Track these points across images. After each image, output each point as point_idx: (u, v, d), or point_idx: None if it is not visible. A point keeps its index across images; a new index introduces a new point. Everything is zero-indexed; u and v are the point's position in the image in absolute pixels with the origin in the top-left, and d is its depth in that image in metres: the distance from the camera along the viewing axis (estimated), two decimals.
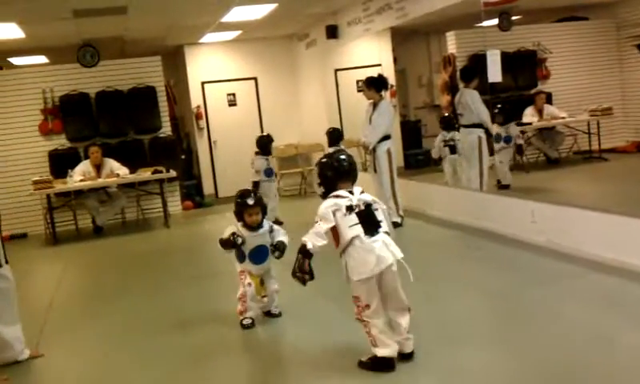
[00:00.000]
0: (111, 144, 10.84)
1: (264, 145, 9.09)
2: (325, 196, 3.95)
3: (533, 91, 11.34)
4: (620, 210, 5.73)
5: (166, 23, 10.10)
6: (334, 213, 3.78)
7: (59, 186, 9.65)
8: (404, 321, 3.93)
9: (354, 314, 3.88)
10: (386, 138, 8.03)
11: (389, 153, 8.03)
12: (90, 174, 9.81)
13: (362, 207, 3.81)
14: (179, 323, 5.28)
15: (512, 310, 4.84)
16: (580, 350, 3.93)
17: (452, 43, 11.41)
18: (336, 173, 3.97)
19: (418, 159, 12.39)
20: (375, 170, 8.14)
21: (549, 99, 11.22)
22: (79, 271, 8.08)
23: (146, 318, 5.60)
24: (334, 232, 3.80)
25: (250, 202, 4.83)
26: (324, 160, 4.08)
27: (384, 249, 3.77)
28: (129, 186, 10.44)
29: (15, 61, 11.55)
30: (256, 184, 8.78)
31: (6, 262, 4.62)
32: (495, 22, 9.81)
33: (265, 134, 9.31)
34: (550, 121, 10.79)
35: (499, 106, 9.66)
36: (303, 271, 3.82)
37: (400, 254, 3.84)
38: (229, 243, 4.85)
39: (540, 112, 10.85)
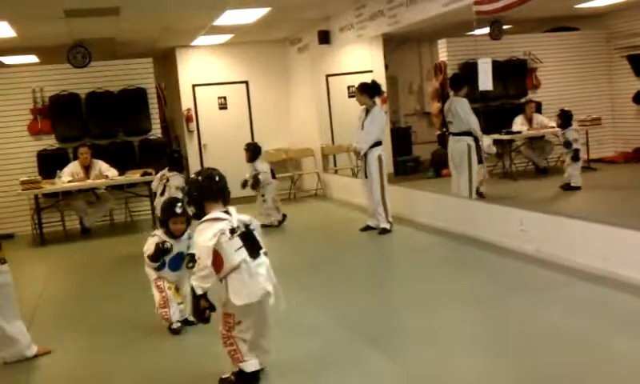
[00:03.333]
0: (100, 145, 10.79)
1: (177, 160, 8.54)
2: (197, 217, 3.76)
3: (523, 100, 11.42)
4: (608, 220, 5.77)
5: (159, 25, 10.08)
6: (215, 237, 3.56)
7: (47, 187, 9.60)
8: (265, 342, 3.85)
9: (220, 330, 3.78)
10: (378, 144, 8.05)
11: (380, 159, 8.05)
12: (79, 175, 9.76)
13: (243, 228, 3.64)
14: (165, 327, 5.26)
15: (499, 317, 4.85)
16: (567, 357, 3.94)
17: (443, 51, 11.48)
18: (203, 192, 3.76)
19: (407, 166, 12.44)
20: (366, 176, 8.15)
21: (538, 108, 11.30)
22: (66, 273, 8.03)
23: (133, 321, 5.57)
24: (216, 258, 3.59)
25: (178, 210, 4.89)
26: (192, 178, 3.97)
27: (267, 274, 3.67)
28: (117, 187, 10.40)
29: (5, 60, 11.50)
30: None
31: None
32: (487, 30, 9.86)
33: (175, 149, 9.10)
34: (539, 130, 10.85)
35: (566, 109, 9.69)
36: (201, 313, 3.67)
37: (274, 280, 3.72)
38: (160, 252, 4.90)
39: (529, 121, 10.91)
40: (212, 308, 3.66)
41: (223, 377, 3.85)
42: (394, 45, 12.21)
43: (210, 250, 3.55)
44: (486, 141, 9.22)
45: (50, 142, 10.78)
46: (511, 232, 6.70)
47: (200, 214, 3.74)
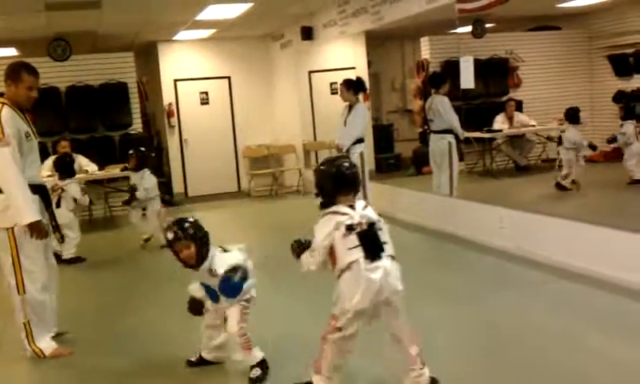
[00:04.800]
0: (80, 139, 10.70)
1: (69, 165, 7.97)
2: (323, 206, 3.45)
3: (504, 98, 11.47)
4: (587, 218, 5.82)
5: (140, 19, 10.00)
6: (330, 234, 3.30)
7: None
8: (413, 350, 3.48)
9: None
10: (360, 140, 8.06)
11: (362, 156, 8.05)
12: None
13: (365, 226, 3.30)
14: (141, 323, 5.24)
15: (479, 314, 4.87)
16: (546, 354, 3.97)
17: (426, 49, 11.51)
18: (336, 183, 3.42)
19: (389, 163, 12.47)
20: None
21: (519, 107, 11.36)
22: None
23: (118, 315, 5.54)
24: (332, 254, 3.33)
25: (170, 235, 3.85)
26: (323, 168, 3.55)
27: (384, 279, 3.27)
28: (97, 182, 10.31)
29: None
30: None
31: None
32: (469, 29, 9.90)
33: (67, 154, 8.33)
34: (519, 128, 10.91)
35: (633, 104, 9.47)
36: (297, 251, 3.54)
37: (398, 287, 3.36)
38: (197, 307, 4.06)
39: (510, 119, 10.97)
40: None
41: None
42: (376, 42, 12.22)
43: (324, 249, 3.32)
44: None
45: None
46: (491, 229, 6.73)
47: (327, 204, 3.43)
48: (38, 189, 4.59)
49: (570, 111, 9.23)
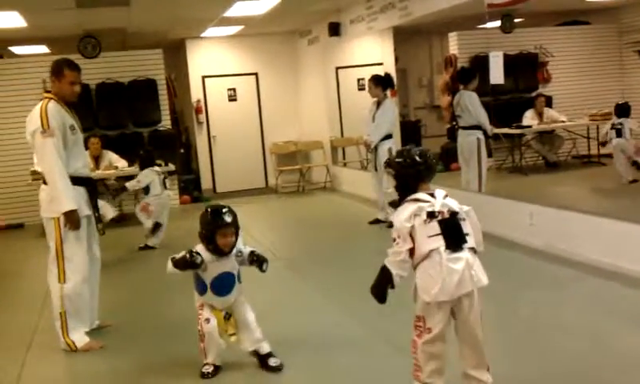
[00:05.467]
0: (110, 136, 10.82)
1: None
2: (398, 204, 3.26)
3: (533, 94, 11.35)
4: (617, 215, 5.74)
5: (169, 16, 10.07)
6: (412, 218, 3.11)
7: None
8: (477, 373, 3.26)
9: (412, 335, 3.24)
10: (388, 136, 8.05)
11: (390, 152, 8.03)
12: (89, 166, 9.77)
13: (447, 215, 3.14)
14: (173, 324, 5.28)
15: (509, 313, 4.83)
16: (577, 353, 3.93)
17: (454, 44, 11.43)
18: (417, 172, 3.26)
19: None
20: (376, 169, 8.15)
21: (549, 103, 11.24)
22: None
23: (140, 313, 5.58)
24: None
25: (228, 218, 3.87)
26: (401, 160, 3.33)
27: (467, 270, 3.09)
28: (127, 178, 10.38)
29: (16, 50, 11.52)
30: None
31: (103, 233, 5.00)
32: (498, 23, 9.81)
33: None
34: (549, 124, 10.80)
35: None
36: (380, 292, 3.25)
37: (484, 281, 3.19)
38: (185, 263, 3.93)
39: (540, 115, 10.85)
40: (393, 286, 3.21)
41: None
42: (404, 37, 12.17)
43: (407, 231, 3.10)
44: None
45: None
46: (521, 226, 6.68)
47: (404, 198, 3.25)
48: (84, 181, 4.76)
49: (623, 105, 9.21)
